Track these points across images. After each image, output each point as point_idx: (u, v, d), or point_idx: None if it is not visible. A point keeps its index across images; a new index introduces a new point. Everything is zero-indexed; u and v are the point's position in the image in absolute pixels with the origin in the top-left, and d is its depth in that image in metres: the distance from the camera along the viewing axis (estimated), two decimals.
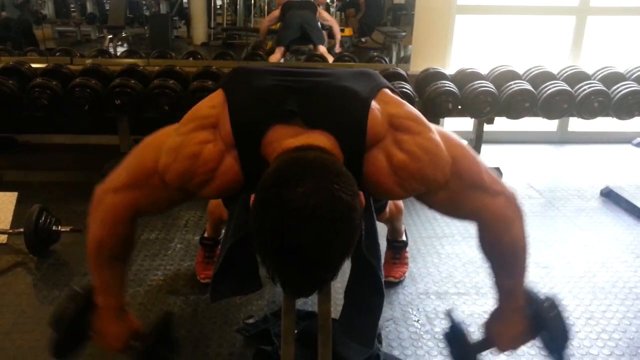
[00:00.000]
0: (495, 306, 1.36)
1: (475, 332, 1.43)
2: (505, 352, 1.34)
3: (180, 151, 1.14)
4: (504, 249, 1.26)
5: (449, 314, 1.45)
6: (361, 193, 1.00)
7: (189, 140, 1.14)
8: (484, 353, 1.38)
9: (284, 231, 0.91)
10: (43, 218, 2.23)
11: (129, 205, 1.23)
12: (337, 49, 4.11)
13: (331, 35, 4.16)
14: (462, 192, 1.19)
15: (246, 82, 1.18)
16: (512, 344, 1.34)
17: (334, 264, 0.96)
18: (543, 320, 1.29)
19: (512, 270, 1.30)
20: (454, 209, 1.24)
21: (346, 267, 1.29)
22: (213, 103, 1.17)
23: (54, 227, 2.29)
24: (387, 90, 1.21)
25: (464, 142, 1.24)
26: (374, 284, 1.34)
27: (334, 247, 0.93)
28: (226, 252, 1.32)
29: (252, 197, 0.98)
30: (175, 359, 1.37)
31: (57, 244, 2.34)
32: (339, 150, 1.10)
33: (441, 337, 1.43)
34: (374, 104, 1.14)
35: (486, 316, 1.87)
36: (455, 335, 1.40)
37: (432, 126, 1.18)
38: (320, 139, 1.08)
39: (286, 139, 1.08)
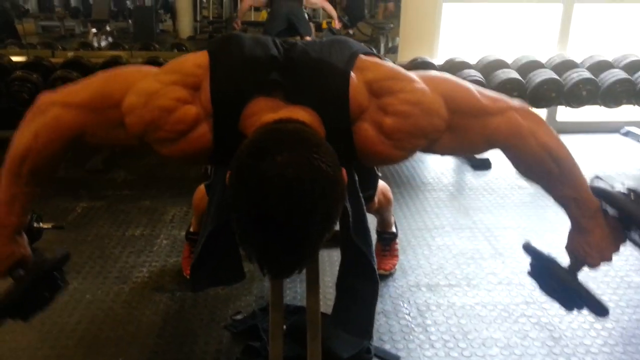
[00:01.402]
0: (569, 222, 1.19)
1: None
2: (602, 266, 1.17)
3: (153, 98, 1.06)
4: (541, 162, 1.12)
5: (527, 247, 1.25)
6: (344, 170, 0.96)
7: (166, 92, 1.06)
8: (580, 274, 1.19)
9: (260, 202, 0.86)
10: None
11: (77, 125, 1.10)
12: (337, 25, 4.08)
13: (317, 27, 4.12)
14: (466, 126, 1.11)
15: (233, 50, 1.11)
16: (602, 255, 1.15)
17: (313, 239, 0.92)
18: (630, 215, 1.10)
19: (564, 179, 1.14)
20: (466, 146, 1.17)
21: (336, 258, 1.25)
22: (199, 62, 1.10)
23: (34, 224, 2.21)
24: (363, 56, 1.14)
25: (447, 75, 1.17)
26: (366, 271, 1.30)
27: (313, 220, 0.88)
28: (205, 239, 1.27)
29: (229, 173, 0.93)
30: (54, 298, 1.22)
31: (38, 242, 2.27)
32: (321, 125, 1.06)
33: (527, 274, 1.27)
34: (352, 75, 1.09)
35: (479, 308, 1.88)
36: (541, 268, 1.23)
37: (412, 74, 1.12)
38: (300, 113, 1.04)
39: (266, 113, 1.04)
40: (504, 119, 1.12)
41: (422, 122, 1.08)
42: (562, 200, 1.17)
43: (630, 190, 1.12)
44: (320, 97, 1.06)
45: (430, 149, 1.15)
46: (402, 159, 1.14)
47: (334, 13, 4.07)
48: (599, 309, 1.16)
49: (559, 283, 1.19)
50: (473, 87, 1.15)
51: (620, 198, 1.12)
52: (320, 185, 0.88)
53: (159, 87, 1.07)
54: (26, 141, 1.09)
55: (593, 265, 1.17)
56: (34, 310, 1.20)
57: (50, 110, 1.10)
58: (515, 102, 1.16)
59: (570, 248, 1.20)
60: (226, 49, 1.12)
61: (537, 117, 1.15)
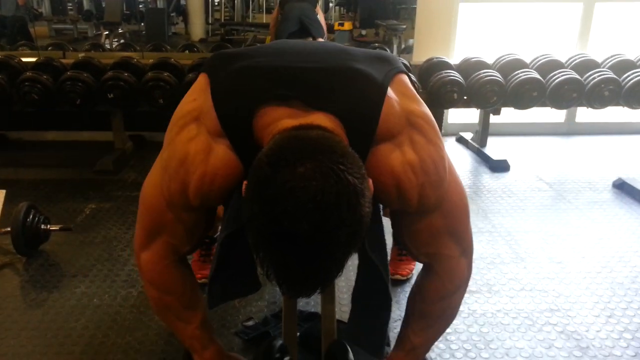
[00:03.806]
0: (390, 356, 1.31)
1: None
2: None
3: (170, 163, 1.05)
4: (438, 307, 1.23)
5: None
6: (370, 180, 0.89)
7: (175, 147, 1.04)
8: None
9: (279, 217, 0.79)
10: (31, 216, 2.12)
11: (163, 253, 1.16)
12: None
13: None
14: (437, 230, 1.12)
15: (231, 63, 1.06)
16: None
17: (338, 258, 0.84)
18: None
19: (429, 330, 1.26)
20: (418, 240, 1.15)
21: (350, 262, 1.17)
22: (194, 96, 1.07)
23: (42, 226, 2.18)
24: (404, 77, 1.08)
25: (463, 198, 1.15)
26: (380, 288, 1.21)
27: (338, 237, 0.81)
28: (219, 249, 1.20)
29: (245, 183, 0.86)
30: None
31: (46, 243, 2.23)
32: (344, 135, 0.98)
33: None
34: (390, 92, 1.02)
35: (501, 315, 1.80)
36: None
37: (442, 142, 1.09)
38: (323, 120, 0.96)
39: (283, 120, 0.96)
40: (459, 260, 1.18)
41: (427, 189, 1.04)
42: (407, 340, 1.28)
43: None
44: (349, 104, 0.99)
45: (401, 215, 1.12)
46: (388, 202, 1.08)
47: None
48: None
49: None
50: (468, 214, 1.16)
51: None
52: (346, 199, 0.80)
53: (168, 150, 1.06)
54: (152, 296, 1.24)
55: None
56: None
57: (141, 262, 1.20)
58: (471, 255, 1.21)
59: None
60: (222, 63, 1.07)
61: (468, 280, 1.24)
